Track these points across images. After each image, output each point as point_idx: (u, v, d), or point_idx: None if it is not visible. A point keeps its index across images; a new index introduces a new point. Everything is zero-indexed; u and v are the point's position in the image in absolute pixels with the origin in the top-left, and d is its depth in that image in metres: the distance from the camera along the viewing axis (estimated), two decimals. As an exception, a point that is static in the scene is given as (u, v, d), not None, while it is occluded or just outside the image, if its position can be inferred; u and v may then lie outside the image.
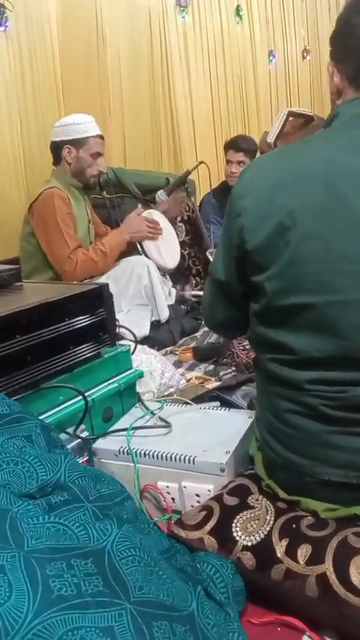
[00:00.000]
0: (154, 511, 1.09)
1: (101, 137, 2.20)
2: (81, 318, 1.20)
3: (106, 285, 1.28)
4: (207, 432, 1.14)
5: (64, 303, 1.17)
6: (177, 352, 2.07)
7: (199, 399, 1.51)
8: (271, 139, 2.35)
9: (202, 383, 1.78)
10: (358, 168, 0.81)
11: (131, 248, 2.26)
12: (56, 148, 2.19)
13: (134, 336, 1.50)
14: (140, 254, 2.25)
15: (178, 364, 1.99)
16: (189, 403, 1.36)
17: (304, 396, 0.86)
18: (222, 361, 1.92)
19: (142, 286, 2.11)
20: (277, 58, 4.36)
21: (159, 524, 1.01)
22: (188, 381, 1.79)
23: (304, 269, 0.82)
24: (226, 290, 0.99)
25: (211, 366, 1.92)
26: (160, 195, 2.40)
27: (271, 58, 4.30)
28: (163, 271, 2.33)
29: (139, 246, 2.25)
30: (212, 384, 1.75)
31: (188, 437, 1.13)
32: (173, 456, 1.06)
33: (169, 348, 2.13)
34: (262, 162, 0.95)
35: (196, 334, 2.25)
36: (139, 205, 2.32)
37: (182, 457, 1.05)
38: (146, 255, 2.25)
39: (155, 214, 2.39)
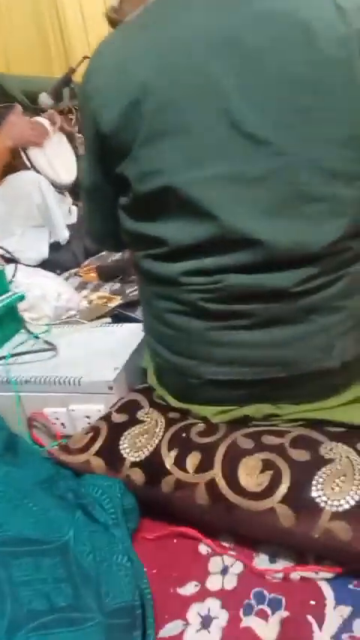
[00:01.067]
0: (47, 439, 1.01)
1: None
2: None
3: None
4: (96, 351, 1.05)
5: None
6: (81, 274, 1.94)
7: (100, 320, 1.41)
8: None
9: (107, 302, 1.68)
10: (216, 33, 0.69)
11: (19, 164, 2.03)
12: None
13: (9, 253, 1.34)
14: (29, 169, 2.03)
15: (82, 286, 1.87)
16: (81, 323, 1.26)
17: (181, 292, 0.78)
18: (128, 279, 1.81)
19: (33, 205, 1.92)
20: None
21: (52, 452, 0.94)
22: (90, 302, 1.68)
23: (161, 145, 0.71)
24: (98, 196, 0.87)
25: (118, 285, 1.81)
26: (44, 98, 2.15)
27: None
28: (59, 188, 2.13)
29: (26, 160, 2.03)
30: (117, 302, 1.64)
31: (75, 358, 1.04)
32: (57, 379, 0.97)
33: (72, 270, 1.99)
34: (112, 37, 0.81)
35: (102, 253, 2.11)
36: (18, 107, 2.06)
37: (67, 379, 0.96)
38: (36, 170, 2.03)
39: (45, 124, 2.15)
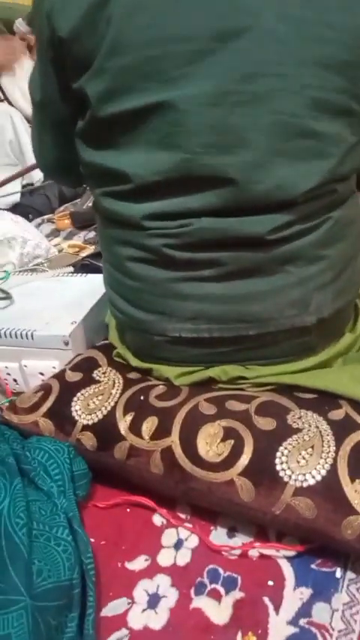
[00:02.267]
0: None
1: None
2: None
3: None
4: (55, 302, 0.96)
5: None
6: (54, 220, 1.82)
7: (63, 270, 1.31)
8: None
9: (78, 252, 1.57)
10: None
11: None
12: None
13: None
14: (2, 101, 1.87)
15: (55, 233, 1.76)
16: (45, 271, 1.17)
17: (144, 237, 0.69)
18: (104, 227, 1.70)
19: (5, 141, 1.78)
20: None
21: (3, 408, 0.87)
22: (61, 251, 1.57)
23: (129, 57, 0.60)
24: (50, 113, 0.75)
25: (92, 233, 1.70)
26: (19, 24, 1.96)
27: None
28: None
29: (-2, 92, 1.87)
30: (89, 252, 1.54)
31: (31, 309, 0.95)
32: (9, 332, 0.88)
33: (45, 216, 1.87)
34: None
35: (77, 200, 1.98)
36: None
37: (20, 332, 0.88)
38: (9, 103, 1.87)
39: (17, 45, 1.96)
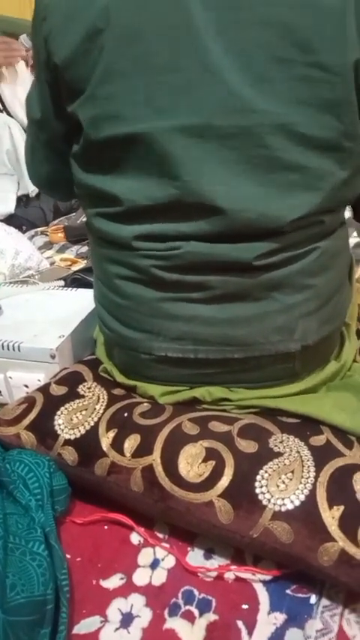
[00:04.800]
0: (-18, 406, 0.93)
1: None
2: None
3: None
4: (43, 315, 0.96)
5: None
6: (48, 233, 1.83)
7: (54, 283, 1.31)
8: None
9: (70, 265, 1.58)
10: None
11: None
12: None
13: None
14: (1, 112, 1.89)
15: (48, 246, 1.76)
16: (36, 283, 1.17)
17: (134, 257, 0.70)
18: (97, 242, 1.71)
19: (2, 150, 1.79)
20: None
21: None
22: (53, 264, 1.58)
23: (120, 85, 0.62)
24: (44, 131, 0.77)
25: (85, 248, 1.71)
26: (24, 40, 1.99)
27: None
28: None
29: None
30: (80, 266, 1.55)
31: (19, 321, 0.95)
32: (-4, 342, 0.88)
33: (39, 229, 1.88)
34: None
35: (72, 214, 2.00)
36: None
37: (6, 344, 0.88)
38: (8, 113, 1.89)
39: (22, 66, 1.99)
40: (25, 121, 1.87)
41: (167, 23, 0.59)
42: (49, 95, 0.71)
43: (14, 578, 0.56)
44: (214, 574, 0.66)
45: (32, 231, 1.85)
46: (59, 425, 0.76)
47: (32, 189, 1.87)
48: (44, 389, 0.82)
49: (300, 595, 0.63)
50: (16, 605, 0.53)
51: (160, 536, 0.72)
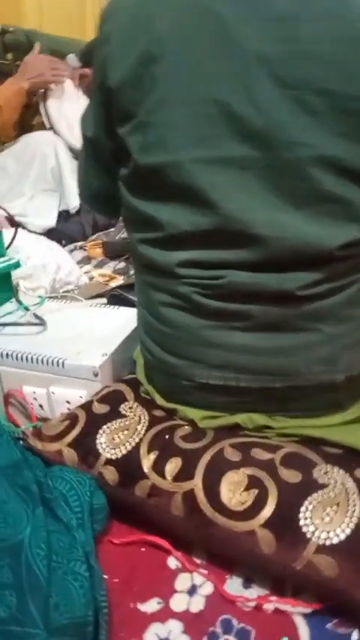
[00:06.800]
0: (24, 419, 0.95)
1: None
2: None
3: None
4: (87, 333, 0.98)
5: None
6: (86, 247, 1.86)
7: (97, 298, 1.33)
8: None
9: (108, 281, 1.60)
10: None
11: (38, 123, 1.94)
12: None
13: (9, 215, 1.27)
14: (48, 129, 1.93)
15: (86, 261, 1.79)
16: (77, 300, 1.19)
17: (177, 284, 0.71)
18: (134, 258, 1.73)
19: (47, 168, 1.83)
20: None
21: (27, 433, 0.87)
22: (91, 279, 1.60)
23: (170, 115, 0.63)
24: (96, 149, 0.79)
25: (122, 264, 1.73)
26: (71, 60, 2.04)
27: None
28: (75, 154, 2.03)
29: (45, 119, 1.92)
30: (118, 282, 1.57)
31: (63, 337, 0.96)
32: (41, 358, 0.90)
33: (78, 243, 1.91)
34: None
35: (111, 230, 2.03)
36: (37, 45, 1.95)
37: (51, 360, 0.89)
38: (55, 132, 1.93)
39: (69, 85, 2.03)
40: (69, 140, 1.93)
41: (218, 54, 0.61)
42: (103, 114, 0.73)
43: (57, 597, 0.56)
44: (253, 604, 0.65)
45: (71, 246, 1.88)
46: (101, 444, 0.76)
47: (73, 207, 1.91)
48: (86, 406, 0.83)
49: (340, 630, 0.62)
50: (60, 626, 0.54)
51: (198, 561, 0.71)
